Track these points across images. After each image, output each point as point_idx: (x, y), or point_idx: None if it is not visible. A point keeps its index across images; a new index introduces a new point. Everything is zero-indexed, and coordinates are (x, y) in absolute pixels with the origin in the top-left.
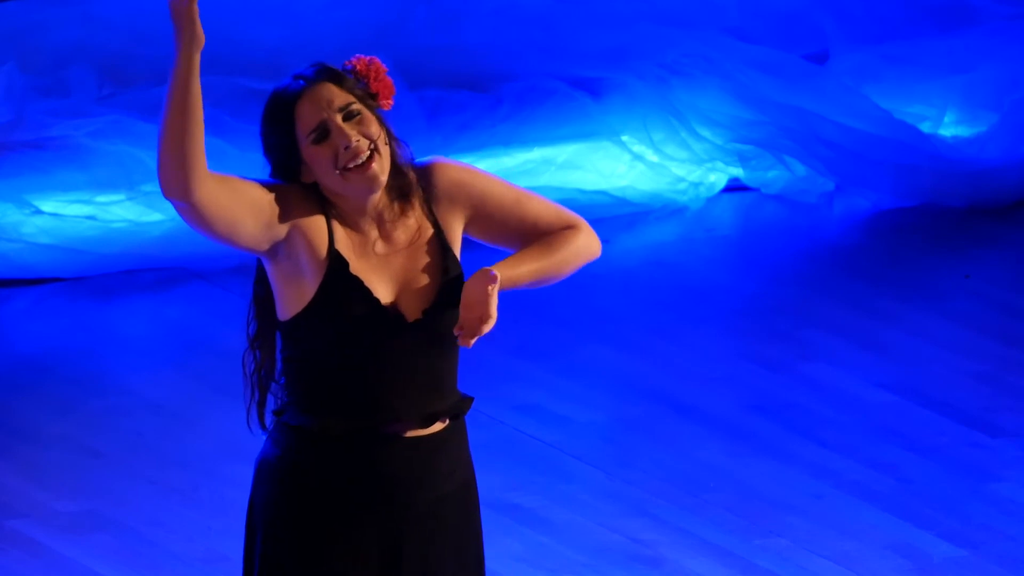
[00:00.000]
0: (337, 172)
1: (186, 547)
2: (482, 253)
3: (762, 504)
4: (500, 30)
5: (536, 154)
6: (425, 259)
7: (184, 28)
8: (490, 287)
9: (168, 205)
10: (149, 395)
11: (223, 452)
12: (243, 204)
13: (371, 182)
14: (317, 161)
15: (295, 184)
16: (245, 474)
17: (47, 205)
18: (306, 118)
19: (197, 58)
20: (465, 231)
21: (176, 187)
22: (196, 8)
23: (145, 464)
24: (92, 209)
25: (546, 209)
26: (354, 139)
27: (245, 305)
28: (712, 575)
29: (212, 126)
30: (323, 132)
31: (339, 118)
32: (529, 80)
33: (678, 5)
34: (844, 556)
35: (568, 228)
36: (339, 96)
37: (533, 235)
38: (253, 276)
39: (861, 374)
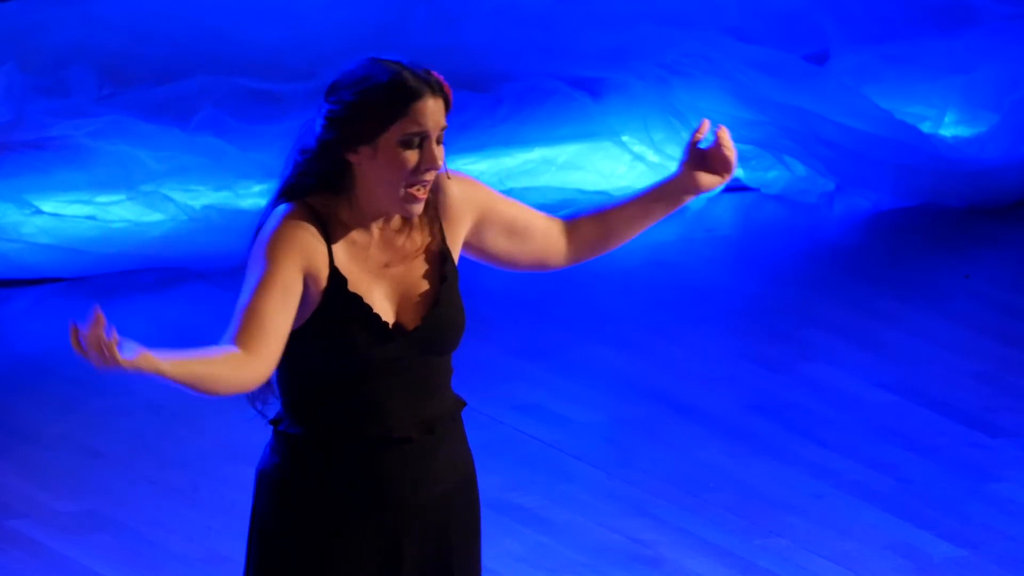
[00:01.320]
0: (402, 185)
1: (186, 547)
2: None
3: (762, 504)
4: (500, 30)
5: (536, 154)
6: (425, 266)
7: (128, 371)
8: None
9: (168, 204)
10: (149, 395)
11: (223, 452)
12: (283, 327)
13: (416, 211)
14: (391, 162)
15: (288, 219)
16: (245, 474)
17: (47, 205)
18: (416, 120)
19: (158, 358)
20: (469, 241)
21: (248, 389)
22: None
23: (145, 464)
24: (92, 209)
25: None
26: (438, 168)
27: None
28: (712, 575)
29: (212, 126)
30: (419, 142)
31: (435, 138)
32: (529, 80)
33: (678, 5)
34: (844, 556)
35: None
36: (443, 118)
37: (536, 230)
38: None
39: (861, 374)
